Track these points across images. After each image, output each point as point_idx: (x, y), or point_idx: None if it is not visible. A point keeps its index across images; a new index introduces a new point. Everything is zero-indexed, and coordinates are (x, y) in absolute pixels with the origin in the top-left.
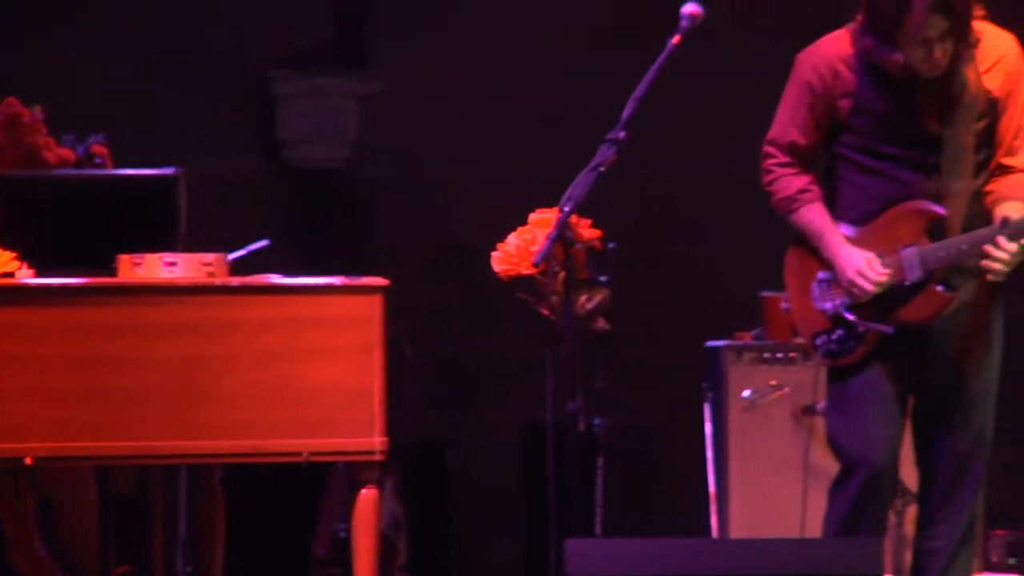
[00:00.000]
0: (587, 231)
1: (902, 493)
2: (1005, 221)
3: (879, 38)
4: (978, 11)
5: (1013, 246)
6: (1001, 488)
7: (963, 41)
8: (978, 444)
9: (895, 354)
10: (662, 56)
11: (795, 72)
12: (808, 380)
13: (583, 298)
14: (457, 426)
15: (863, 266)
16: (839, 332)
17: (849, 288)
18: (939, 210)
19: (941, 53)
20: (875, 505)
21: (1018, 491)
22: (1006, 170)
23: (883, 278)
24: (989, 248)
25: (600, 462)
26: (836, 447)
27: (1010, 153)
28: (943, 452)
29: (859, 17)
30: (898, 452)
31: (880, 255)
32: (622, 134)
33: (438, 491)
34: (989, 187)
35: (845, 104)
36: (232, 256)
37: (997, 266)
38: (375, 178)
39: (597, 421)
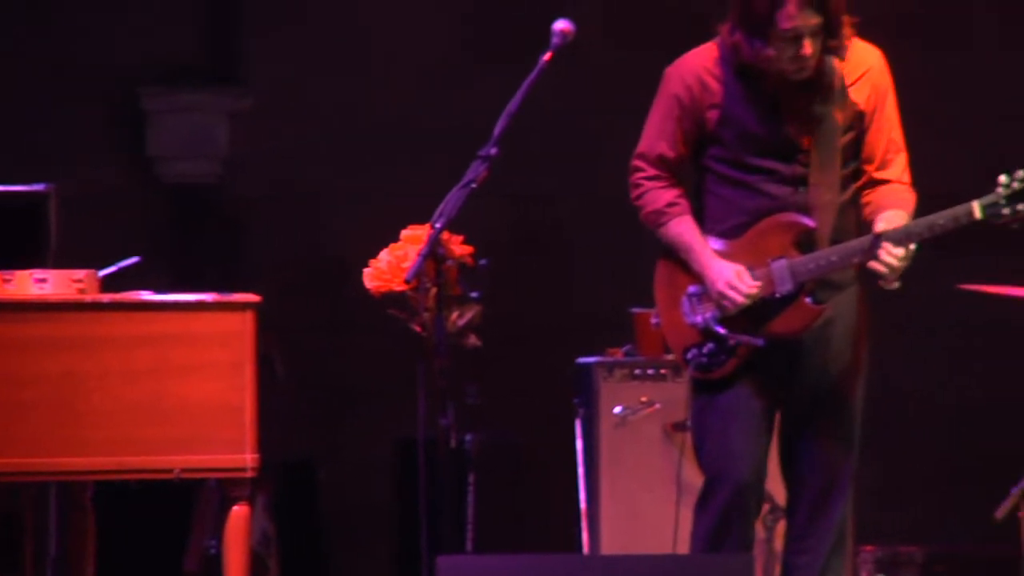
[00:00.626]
0: (459, 247)
1: (772, 509)
2: (878, 235)
3: (749, 34)
4: (848, 19)
5: (900, 251)
6: (871, 504)
7: (834, 37)
8: (846, 457)
9: (763, 368)
10: (534, 72)
11: (663, 85)
12: (679, 396)
13: (455, 314)
14: (328, 442)
15: (733, 279)
16: (710, 346)
17: (719, 301)
18: (808, 222)
19: (811, 51)
20: (741, 520)
21: (888, 507)
22: (880, 183)
23: (753, 290)
24: (879, 253)
25: (471, 478)
26: (700, 462)
27: (883, 167)
28: (812, 466)
29: (728, 22)
30: (763, 467)
31: (750, 268)
32: (494, 150)
33: (309, 507)
34: (865, 199)
35: (713, 116)
36: (103, 273)
37: (885, 270)
38: (246, 194)
39: (468, 437)
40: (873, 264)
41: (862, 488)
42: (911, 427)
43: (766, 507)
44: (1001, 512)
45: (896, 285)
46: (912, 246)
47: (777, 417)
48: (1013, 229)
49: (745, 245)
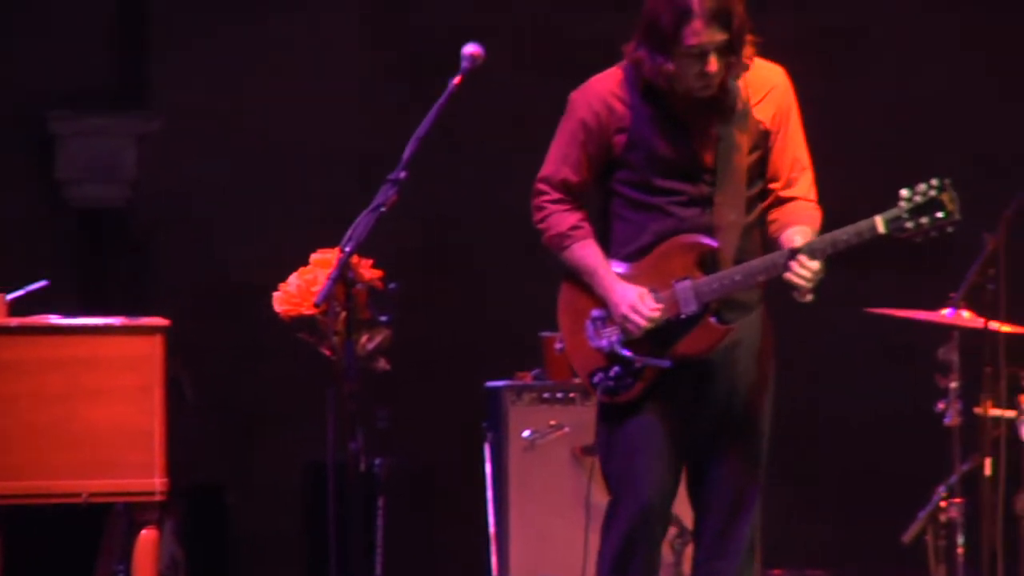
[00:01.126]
0: (368, 271)
1: (680, 532)
2: (794, 249)
3: (653, 50)
4: (751, 37)
5: (815, 264)
6: (779, 527)
7: (737, 55)
8: (753, 479)
9: (670, 391)
10: (443, 96)
11: (569, 110)
12: (588, 420)
13: (364, 338)
14: (237, 467)
15: (636, 301)
16: (616, 369)
17: (623, 324)
18: (710, 242)
19: (716, 68)
20: (646, 544)
21: (796, 530)
22: (786, 201)
23: (656, 313)
24: (793, 266)
25: (381, 502)
26: (607, 485)
27: (788, 185)
28: (718, 488)
29: (633, 39)
30: (669, 490)
31: (654, 290)
32: (403, 174)
33: (217, 532)
34: (771, 217)
35: (620, 140)
36: (10, 297)
37: (801, 282)
38: (155, 218)
39: (378, 461)
40: (788, 276)
41: (770, 511)
42: (819, 449)
43: (674, 530)
44: (908, 536)
45: (810, 298)
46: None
47: (685, 440)
48: (916, 243)
49: (648, 267)
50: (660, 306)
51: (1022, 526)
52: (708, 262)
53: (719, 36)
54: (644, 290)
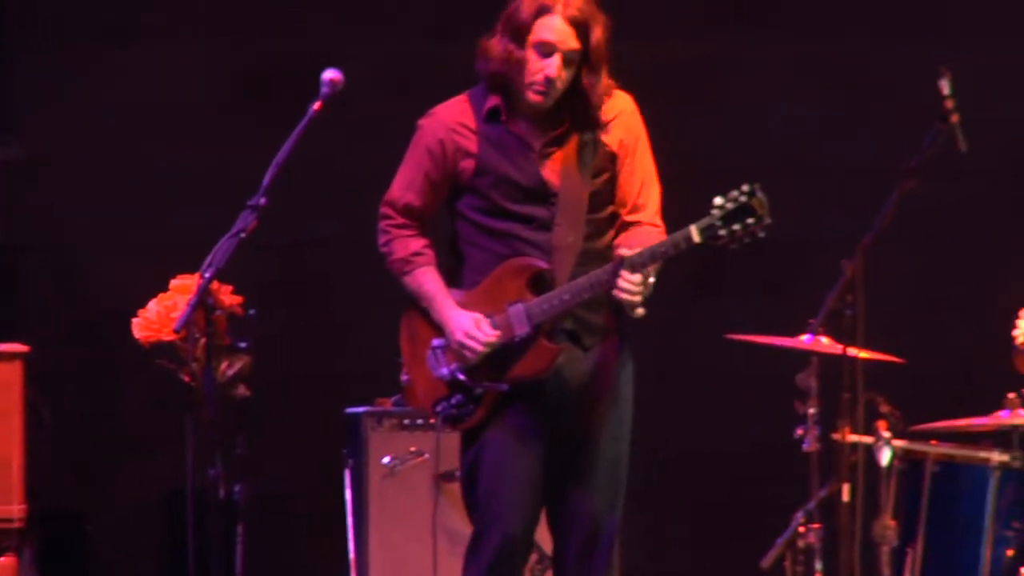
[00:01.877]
0: (228, 297)
1: (541, 559)
2: (619, 261)
3: (510, 37)
4: (607, 68)
5: (636, 277)
6: (638, 554)
7: (590, 73)
8: (611, 507)
9: (530, 420)
10: (303, 122)
11: (416, 136)
12: (448, 446)
13: (224, 364)
14: (96, 493)
15: (471, 328)
16: (457, 397)
17: (460, 351)
18: (540, 264)
19: (559, 74)
20: (508, 571)
21: (654, 557)
22: (632, 225)
23: (491, 338)
24: (617, 281)
25: (240, 529)
26: (470, 513)
27: (635, 211)
28: (577, 515)
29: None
30: (532, 516)
31: (490, 315)
32: (263, 200)
33: (77, 559)
34: (617, 241)
35: (467, 166)
36: None
37: (626, 296)
38: (14, 243)
39: (237, 488)
40: (616, 292)
41: (629, 536)
42: (679, 474)
43: (534, 557)
44: (767, 561)
45: (640, 312)
46: (651, 278)
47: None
48: (732, 249)
49: (484, 293)
50: (496, 332)
51: (880, 552)
52: (541, 284)
53: (573, 43)
54: (480, 316)
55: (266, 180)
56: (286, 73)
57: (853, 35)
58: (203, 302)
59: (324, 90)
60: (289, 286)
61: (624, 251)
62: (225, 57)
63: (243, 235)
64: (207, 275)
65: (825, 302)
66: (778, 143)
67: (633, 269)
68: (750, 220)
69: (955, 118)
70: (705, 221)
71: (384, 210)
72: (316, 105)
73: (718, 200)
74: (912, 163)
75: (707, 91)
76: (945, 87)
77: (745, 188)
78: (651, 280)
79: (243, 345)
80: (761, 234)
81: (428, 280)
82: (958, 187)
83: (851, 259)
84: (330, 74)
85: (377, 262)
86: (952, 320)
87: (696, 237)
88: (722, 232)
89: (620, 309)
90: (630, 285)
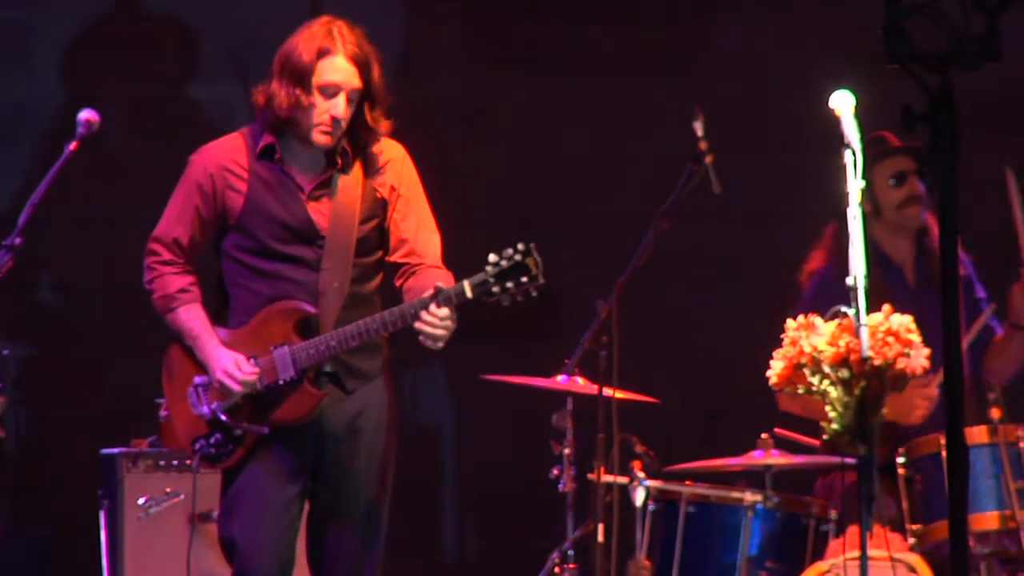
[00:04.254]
0: None
1: None
2: (434, 293)
3: (290, 83)
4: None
5: (444, 311)
6: None
7: (373, 111)
8: (370, 550)
9: (292, 459)
10: (59, 162)
11: (186, 172)
12: (205, 486)
13: None
14: None
15: (230, 367)
16: (217, 436)
17: (220, 389)
18: (308, 308)
19: (344, 114)
20: None
21: None
22: (417, 267)
23: (250, 377)
24: (423, 315)
25: None
26: (226, 554)
27: (416, 254)
28: (336, 557)
29: (268, 80)
30: (289, 558)
31: (255, 356)
32: (18, 240)
33: None
34: (407, 285)
35: (237, 205)
36: None
37: (429, 329)
38: None
39: None
40: (418, 325)
41: None
42: (440, 516)
43: None
44: None
45: (440, 345)
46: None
47: (307, 506)
48: (503, 306)
49: (249, 334)
50: (256, 371)
51: None
52: (307, 328)
53: (356, 82)
54: (241, 356)
55: (21, 220)
56: (43, 112)
57: (621, 79)
58: None
59: (80, 130)
60: (47, 326)
61: (440, 284)
62: None
63: None
64: None
65: (581, 342)
66: (541, 181)
67: (441, 304)
68: (524, 279)
69: (709, 159)
70: (479, 277)
71: (152, 246)
72: (73, 145)
73: (492, 257)
74: (666, 204)
75: (472, 131)
76: (699, 128)
77: (520, 247)
78: (454, 319)
79: None
80: (534, 293)
81: (192, 318)
82: (713, 226)
83: (606, 300)
84: (86, 114)
85: (136, 301)
86: (705, 360)
87: (469, 293)
88: (495, 289)
89: (382, 352)
90: (435, 319)
